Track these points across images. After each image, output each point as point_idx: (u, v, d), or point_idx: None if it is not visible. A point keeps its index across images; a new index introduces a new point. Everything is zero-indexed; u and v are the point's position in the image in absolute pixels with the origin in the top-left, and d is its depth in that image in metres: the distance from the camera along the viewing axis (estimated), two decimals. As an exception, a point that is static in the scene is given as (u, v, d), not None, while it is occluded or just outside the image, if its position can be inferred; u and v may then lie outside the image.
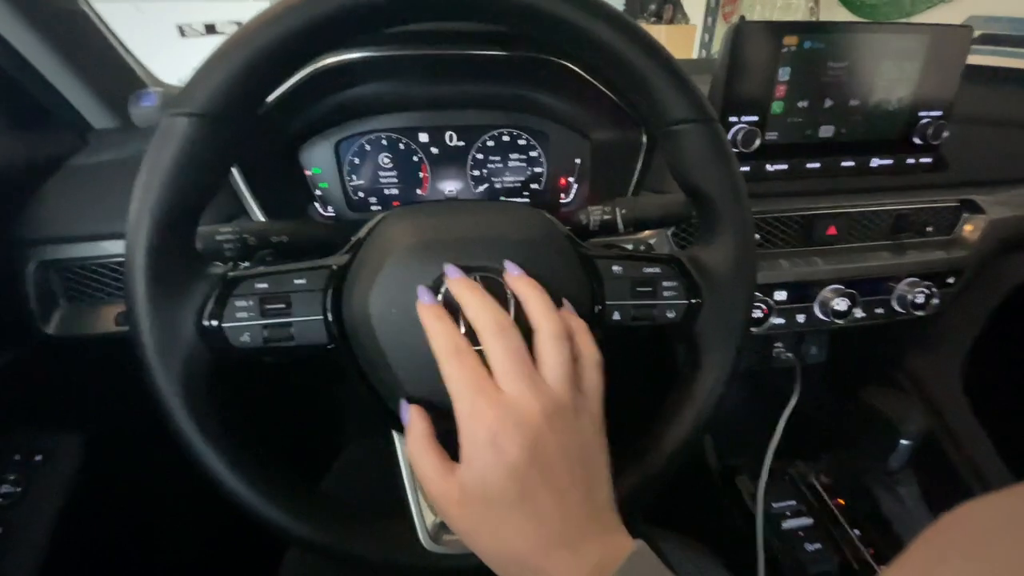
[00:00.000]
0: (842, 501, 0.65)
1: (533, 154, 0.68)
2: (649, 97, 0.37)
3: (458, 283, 0.33)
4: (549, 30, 0.35)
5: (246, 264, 0.43)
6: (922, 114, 0.62)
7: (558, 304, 0.36)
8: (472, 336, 0.32)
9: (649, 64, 0.36)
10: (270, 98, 0.52)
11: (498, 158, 0.67)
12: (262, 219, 0.55)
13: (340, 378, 0.37)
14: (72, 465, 0.56)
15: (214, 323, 0.33)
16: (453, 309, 0.33)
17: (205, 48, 0.32)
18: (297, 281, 0.35)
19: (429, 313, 0.32)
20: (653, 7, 2.67)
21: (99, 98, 0.56)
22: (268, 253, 0.44)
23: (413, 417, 0.34)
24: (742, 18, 2.71)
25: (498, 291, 0.35)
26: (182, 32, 1.49)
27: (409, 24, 0.36)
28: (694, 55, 2.73)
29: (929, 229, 0.66)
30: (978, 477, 0.64)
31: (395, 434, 0.39)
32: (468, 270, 0.35)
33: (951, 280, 0.65)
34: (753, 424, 0.79)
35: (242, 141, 0.35)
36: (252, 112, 0.35)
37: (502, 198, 0.69)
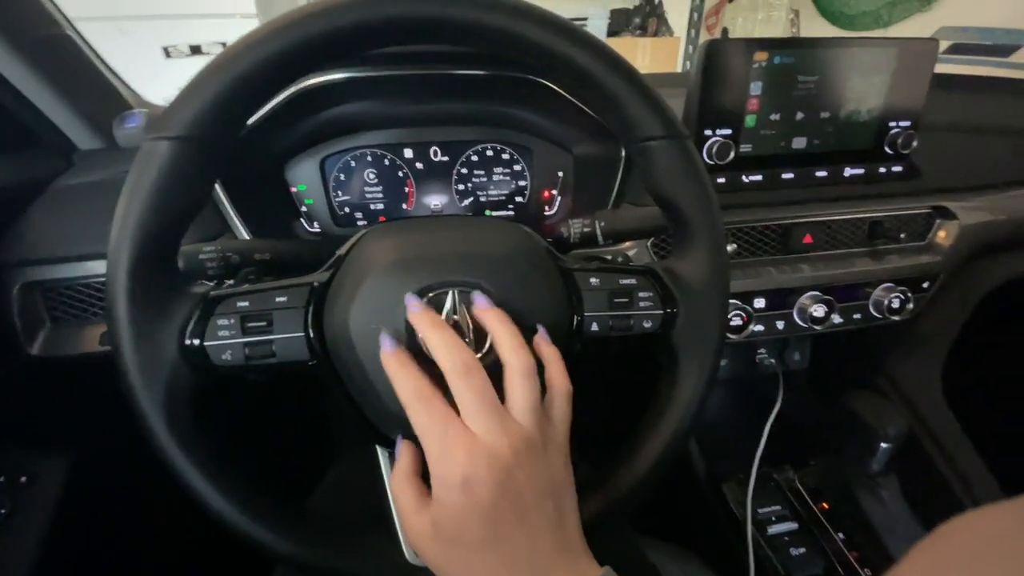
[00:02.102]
0: (826, 505, 0.65)
1: (517, 168, 0.69)
2: (620, 115, 0.38)
3: (420, 317, 0.33)
4: (522, 52, 0.36)
5: (229, 282, 0.43)
6: (892, 124, 0.63)
7: (533, 326, 0.37)
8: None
9: (619, 83, 0.37)
10: (254, 118, 0.53)
11: (482, 172, 0.68)
12: (247, 236, 0.56)
13: (325, 393, 0.37)
14: (58, 486, 0.55)
15: (196, 342, 0.34)
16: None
17: (190, 69, 0.33)
18: (278, 299, 0.36)
19: (392, 360, 0.32)
20: (638, 20, 2.71)
21: (84, 119, 0.57)
22: (251, 271, 0.44)
23: (402, 451, 0.34)
24: (725, 31, 2.76)
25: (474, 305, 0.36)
26: (167, 53, 1.49)
27: (387, 47, 0.37)
28: (679, 67, 2.77)
29: (903, 236, 0.67)
30: (959, 478, 0.65)
31: (379, 449, 0.39)
32: (447, 285, 0.35)
33: (926, 285, 0.67)
34: (738, 430, 0.80)
35: (224, 162, 0.36)
36: (233, 134, 0.35)
37: (487, 212, 0.70)
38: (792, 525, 0.64)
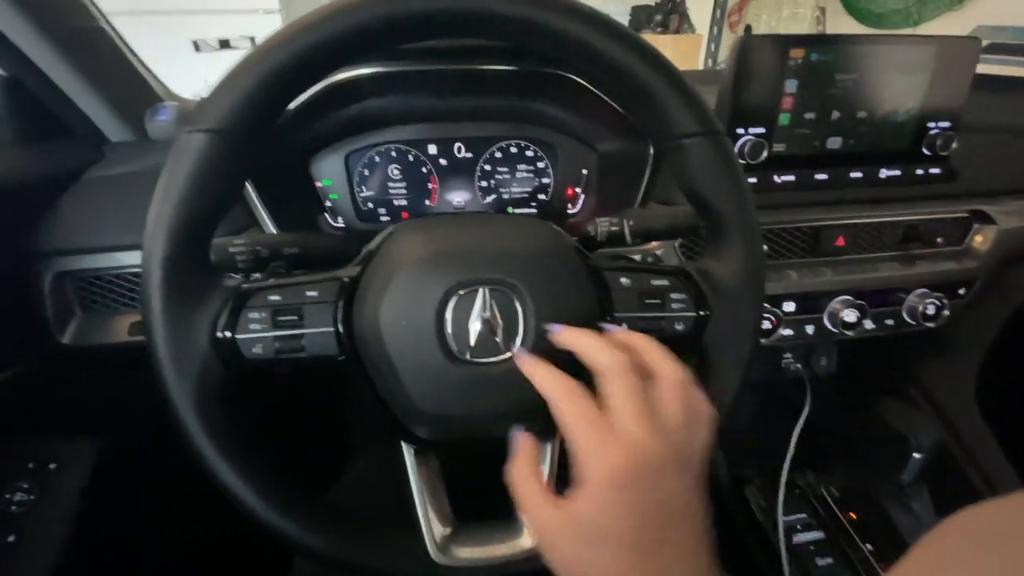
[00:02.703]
0: (854, 515, 0.64)
1: (540, 165, 0.68)
2: (656, 111, 0.37)
3: (571, 332, 0.34)
4: (557, 46, 0.36)
5: (258, 276, 0.43)
6: (931, 125, 0.61)
7: (566, 317, 0.36)
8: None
9: (656, 79, 0.36)
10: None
11: (506, 169, 0.68)
12: (274, 230, 0.56)
13: (349, 386, 0.37)
14: (86, 473, 0.56)
15: (227, 334, 0.34)
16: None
17: (219, 63, 0.33)
18: (309, 293, 0.36)
19: (529, 363, 0.33)
20: (659, 17, 2.68)
21: (115, 112, 0.57)
22: (279, 265, 0.45)
23: (520, 442, 0.34)
24: (748, 28, 2.71)
25: (507, 303, 0.35)
26: (197, 47, 1.52)
27: (423, 41, 0.36)
28: (700, 64, 2.74)
29: (939, 240, 0.65)
30: (992, 490, 0.63)
31: (404, 445, 0.39)
32: (478, 283, 0.35)
33: (962, 291, 0.65)
34: (762, 435, 0.78)
35: (256, 156, 0.36)
36: (267, 128, 0.35)
37: (509, 209, 0.69)
38: (818, 534, 0.63)
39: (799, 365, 0.75)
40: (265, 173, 0.56)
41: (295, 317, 0.35)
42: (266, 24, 1.64)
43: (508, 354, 0.35)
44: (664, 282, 0.40)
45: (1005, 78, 0.96)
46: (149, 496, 0.67)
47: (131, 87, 0.60)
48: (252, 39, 1.44)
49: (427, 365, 0.34)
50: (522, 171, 0.68)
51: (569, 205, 0.70)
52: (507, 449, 0.40)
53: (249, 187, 0.55)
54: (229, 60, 0.32)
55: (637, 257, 0.59)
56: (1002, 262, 0.67)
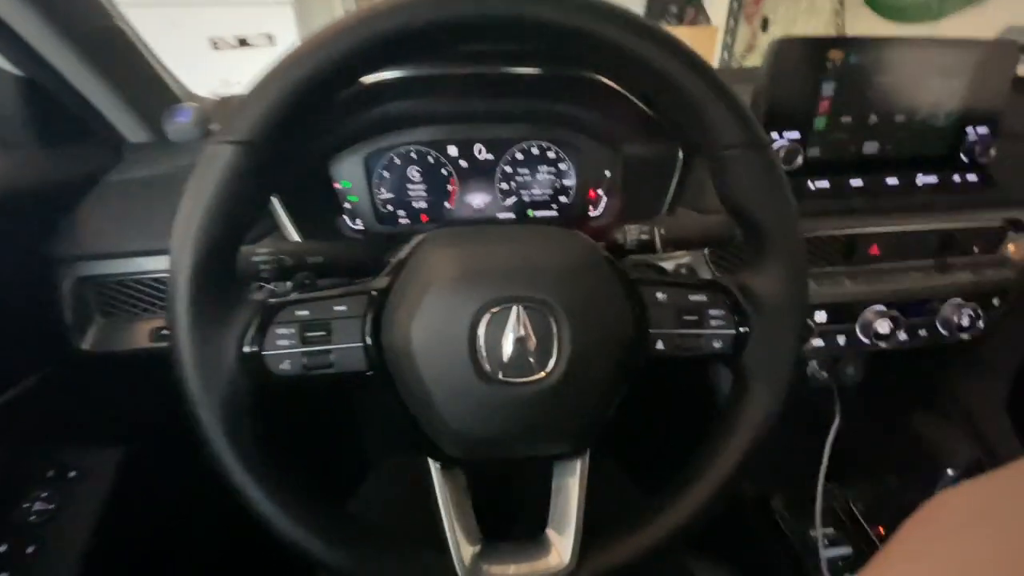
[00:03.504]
0: (883, 531, 0.62)
1: (562, 167, 0.67)
2: (699, 120, 0.36)
3: None
4: (595, 51, 0.35)
5: (283, 285, 0.43)
6: (969, 131, 0.59)
7: (602, 335, 0.35)
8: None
9: (700, 86, 0.35)
10: None
11: (526, 171, 0.67)
12: (295, 235, 0.55)
13: (373, 399, 0.37)
14: (106, 482, 0.56)
15: (255, 350, 0.33)
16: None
17: (238, 61, 0.32)
18: (337, 308, 0.35)
19: None
20: (674, 9, 2.64)
21: (134, 112, 0.56)
22: (306, 275, 0.44)
23: None
24: (765, 21, 2.66)
25: (541, 322, 0.34)
26: (215, 45, 1.49)
27: (460, 47, 0.35)
28: (716, 57, 2.69)
29: (975, 249, 0.63)
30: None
31: (431, 462, 0.38)
32: (512, 300, 0.34)
33: (996, 301, 0.63)
34: (786, 446, 0.77)
35: (282, 166, 0.35)
36: (295, 137, 0.34)
37: (530, 211, 0.68)
38: (846, 550, 0.61)
39: (825, 374, 0.73)
40: (285, 176, 0.55)
41: (323, 332, 0.34)
42: (279, 17, 1.61)
43: (542, 373, 0.34)
44: (702, 297, 0.39)
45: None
46: (170, 506, 0.66)
47: (149, 87, 0.59)
48: (270, 36, 1.41)
49: (459, 384, 0.33)
50: (543, 172, 0.67)
51: (591, 208, 0.69)
52: (536, 467, 0.39)
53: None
54: (246, 58, 0.31)
55: (669, 265, 0.57)
56: None
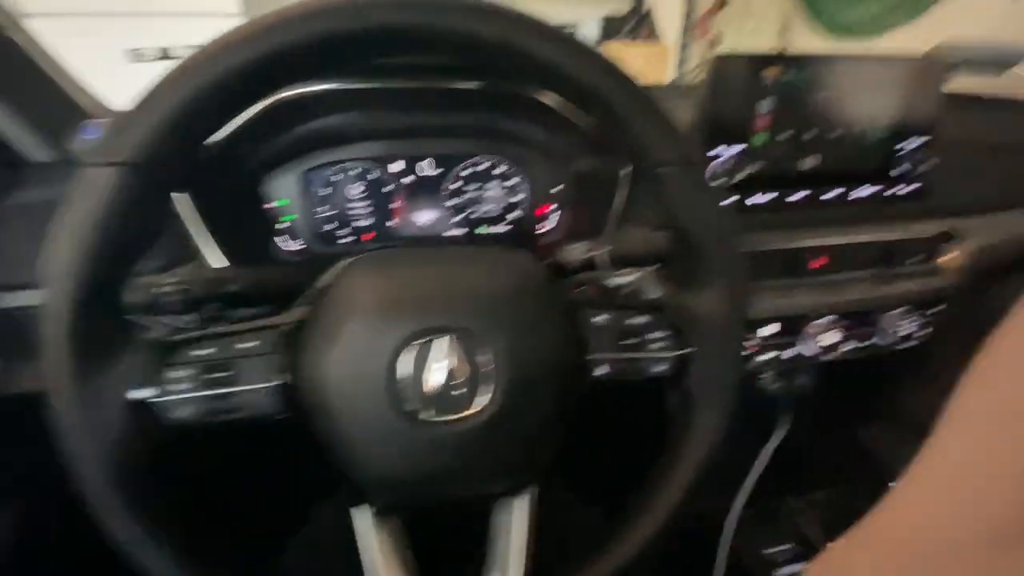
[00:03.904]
0: (831, 542, 0.62)
1: (511, 182, 0.66)
2: (631, 138, 0.35)
3: None
4: (532, 71, 0.33)
5: (190, 319, 0.39)
6: (904, 144, 0.61)
7: (540, 365, 0.33)
8: None
9: (631, 104, 0.34)
10: (224, 131, 0.49)
11: (476, 186, 0.65)
12: (217, 261, 0.51)
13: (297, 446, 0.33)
14: (7, 542, 0.49)
15: (145, 397, 0.29)
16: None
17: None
18: (244, 344, 0.32)
19: None
20: (628, 27, 2.70)
21: (34, 130, 0.51)
22: (217, 306, 0.40)
23: None
24: (717, 37, 2.76)
25: (471, 353, 0.32)
26: (134, 57, 1.39)
27: (371, 61, 0.33)
28: (669, 74, 2.77)
29: (914, 259, 0.65)
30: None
31: (353, 511, 0.35)
32: (436, 332, 0.31)
33: (937, 310, 0.64)
34: (738, 458, 0.77)
35: (181, 184, 0.32)
36: (191, 155, 0.31)
37: (480, 228, 0.67)
38: (800, 566, 0.61)
39: (777, 384, 0.73)
40: (210, 195, 0.51)
41: (227, 373, 0.31)
42: (225, 27, 1.52)
43: (472, 409, 0.32)
44: (643, 319, 0.38)
45: (974, 96, 0.98)
46: (76, 566, 0.59)
47: (53, 103, 0.54)
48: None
49: (380, 425, 0.31)
50: (492, 188, 0.66)
51: (543, 223, 0.68)
52: (476, 507, 0.37)
53: (186, 213, 0.50)
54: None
55: (615, 283, 0.56)
56: (976, 279, 0.67)
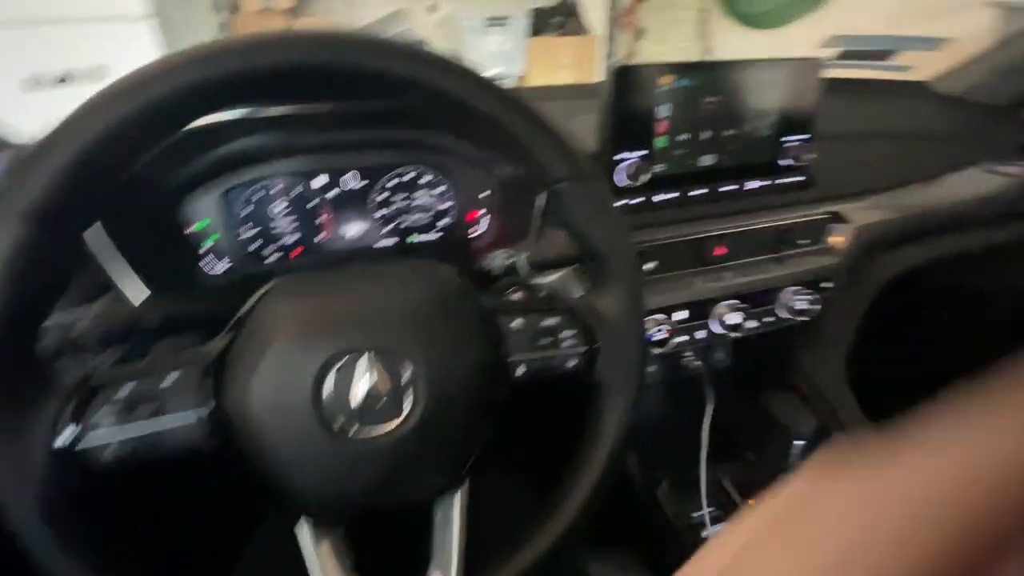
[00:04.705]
0: (752, 502, 0.70)
1: (439, 190, 0.67)
2: (528, 158, 0.38)
3: None
4: (423, 99, 0.35)
5: (109, 357, 0.39)
6: (789, 138, 0.68)
7: (460, 371, 0.35)
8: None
9: (524, 126, 0.37)
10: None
11: (403, 196, 0.66)
12: (134, 290, 0.50)
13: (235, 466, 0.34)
14: None
15: (69, 442, 0.30)
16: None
17: (59, 101, 0.29)
18: (167, 380, 0.32)
19: None
20: (557, 20, 2.75)
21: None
22: (137, 341, 0.40)
23: None
24: (639, 30, 2.85)
25: (392, 368, 0.34)
26: (32, 83, 1.26)
27: (274, 99, 0.34)
28: (597, 63, 2.84)
29: (804, 241, 0.72)
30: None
31: (300, 525, 0.37)
32: (356, 351, 0.33)
33: (827, 285, 0.72)
34: (671, 432, 0.83)
35: (91, 220, 0.32)
36: (97, 198, 0.31)
37: (411, 237, 0.68)
38: (724, 526, 0.67)
39: (698, 362, 0.80)
40: (123, 223, 0.50)
41: (152, 409, 0.32)
42: (133, 34, 1.42)
43: (397, 421, 0.34)
44: (555, 321, 0.41)
45: (855, 80, 1.09)
46: None
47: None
48: (99, 71, 1.18)
49: (309, 445, 0.32)
50: (420, 197, 0.67)
51: (473, 228, 0.70)
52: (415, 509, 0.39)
53: (99, 246, 0.49)
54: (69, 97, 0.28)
55: (538, 282, 0.59)
56: (859, 255, 0.75)
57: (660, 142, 0.61)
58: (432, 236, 0.69)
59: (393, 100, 0.35)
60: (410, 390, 0.34)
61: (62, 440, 0.30)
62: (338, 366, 0.33)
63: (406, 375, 0.34)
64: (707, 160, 0.64)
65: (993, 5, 1.25)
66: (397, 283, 0.38)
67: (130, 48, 1.42)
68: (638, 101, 0.58)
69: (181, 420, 0.32)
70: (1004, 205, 0.87)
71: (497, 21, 2.50)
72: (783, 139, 0.67)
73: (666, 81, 0.58)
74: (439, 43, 2.54)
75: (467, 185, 0.67)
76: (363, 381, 0.33)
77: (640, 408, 0.42)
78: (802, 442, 0.63)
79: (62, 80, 1.18)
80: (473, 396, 0.37)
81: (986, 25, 1.27)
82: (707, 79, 0.60)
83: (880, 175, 0.79)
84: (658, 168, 0.62)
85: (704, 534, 0.65)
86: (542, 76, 2.71)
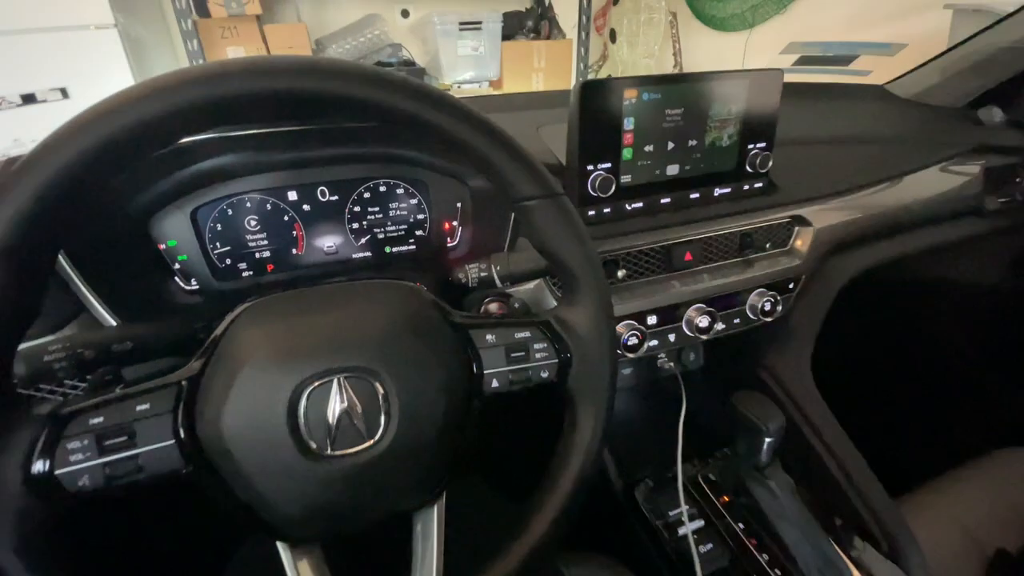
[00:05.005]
0: (726, 498, 0.72)
1: (413, 202, 0.68)
2: (496, 177, 0.39)
3: None
4: (392, 122, 0.36)
5: (81, 384, 0.39)
6: (750, 146, 0.70)
7: (433, 389, 0.36)
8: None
9: (489, 147, 0.38)
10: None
11: (377, 209, 0.66)
12: (105, 315, 0.50)
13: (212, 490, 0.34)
14: None
15: (44, 471, 0.30)
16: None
17: (23, 120, 0.29)
18: (140, 407, 0.32)
19: None
20: (530, 23, 2.77)
21: None
22: (109, 369, 0.40)
23: None
24: (612, 31, 2.89)
25: (366, 389, 0.35)
26: None
27: (240, 124, 0.35)
28: (573, 67, 2.87)
29: (768, 245, 0.75)
30: (832, 457, 0.74)
31: (280, 545, 0.37)
32: (329, 374, 0.34)
33: (791, 286, 0.75)
34: (648, 433, 0.85)
35: (58, 248, 0.32)
36: (64, 225, 0.31)
37: (387, 248, 0.68)
38: (699, 523, 0.70)
39: (671, 364, 0.82)
40: (89, 247, 0.49)
41: (125, 437, 0.32)
42: (94, 46, 1.38)
43: (372, 440, 0.35)
44: (526, 334, 0.42)
45: (816, 85, 1.13)
46: None
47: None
48: (63, 91, 1.14)
49: (285, 467, 0.33)
50: (395, 209, 0.67)
51: (448, 239, 0.70)
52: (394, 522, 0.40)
53: (69, 270, 0.48)
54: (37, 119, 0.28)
55: (510, 293, 0.61)
56: (821, 257, 0.78)
57: (627, 153, 0.63)
58: (408, 247, 0.69)
59: (356, 122, 0.36)
60: (383, 410, 0.35)
61: (36, 469, 0.30)
62: (311, 389, 0.34)
63: (379, 395, 0.35)
64: (673, 170, 0.66)
65: (949, 7, 1.30)
66: (368, 304, 0.38)
67: (93, 60, 1.37)
68: (604, 115, 0.60)
69: (155, 446, 0.32)
70: (961, 203, 0.92)
71: (470, 25, 2.51)
72: (747, 147, 0.70)
73: (631, 95, 0.60)
74: (412, 47, 2.53)
75: (441, 197, 0.67)
76: (336, 403, 0.34)
77: (616, 413, 0.44)
78: (770, 439, 0.65)
79: (26, 100, 1.13)
80: (447, 413, 0.37)
81: (943, 28, 1.31)
82: (671, 92, 0.62)
83: (841, 178, 0.82)
84: (625, 179, 0.64)
85: (682, 531, 0.67)
86: (516, 80, 2.72)
